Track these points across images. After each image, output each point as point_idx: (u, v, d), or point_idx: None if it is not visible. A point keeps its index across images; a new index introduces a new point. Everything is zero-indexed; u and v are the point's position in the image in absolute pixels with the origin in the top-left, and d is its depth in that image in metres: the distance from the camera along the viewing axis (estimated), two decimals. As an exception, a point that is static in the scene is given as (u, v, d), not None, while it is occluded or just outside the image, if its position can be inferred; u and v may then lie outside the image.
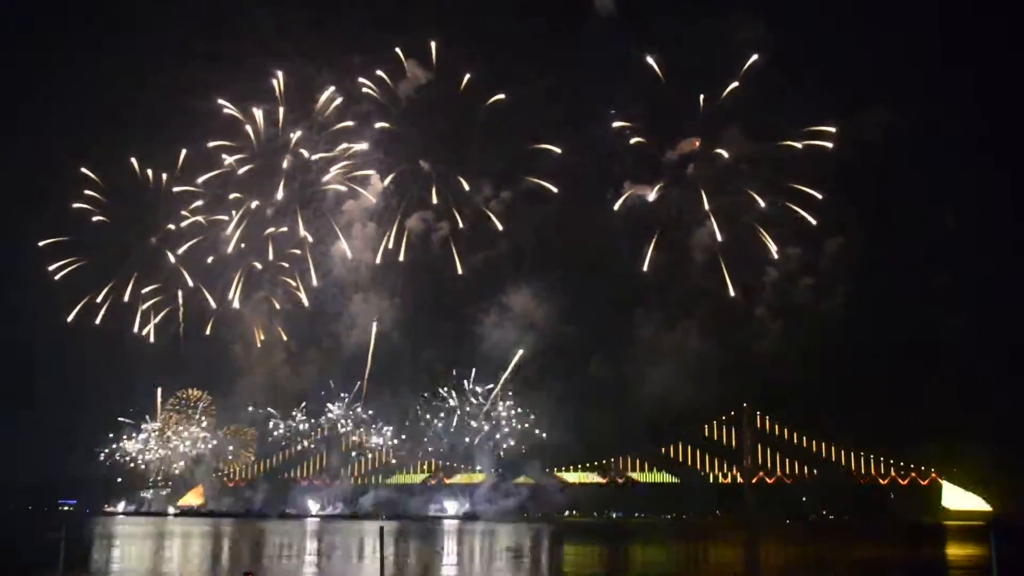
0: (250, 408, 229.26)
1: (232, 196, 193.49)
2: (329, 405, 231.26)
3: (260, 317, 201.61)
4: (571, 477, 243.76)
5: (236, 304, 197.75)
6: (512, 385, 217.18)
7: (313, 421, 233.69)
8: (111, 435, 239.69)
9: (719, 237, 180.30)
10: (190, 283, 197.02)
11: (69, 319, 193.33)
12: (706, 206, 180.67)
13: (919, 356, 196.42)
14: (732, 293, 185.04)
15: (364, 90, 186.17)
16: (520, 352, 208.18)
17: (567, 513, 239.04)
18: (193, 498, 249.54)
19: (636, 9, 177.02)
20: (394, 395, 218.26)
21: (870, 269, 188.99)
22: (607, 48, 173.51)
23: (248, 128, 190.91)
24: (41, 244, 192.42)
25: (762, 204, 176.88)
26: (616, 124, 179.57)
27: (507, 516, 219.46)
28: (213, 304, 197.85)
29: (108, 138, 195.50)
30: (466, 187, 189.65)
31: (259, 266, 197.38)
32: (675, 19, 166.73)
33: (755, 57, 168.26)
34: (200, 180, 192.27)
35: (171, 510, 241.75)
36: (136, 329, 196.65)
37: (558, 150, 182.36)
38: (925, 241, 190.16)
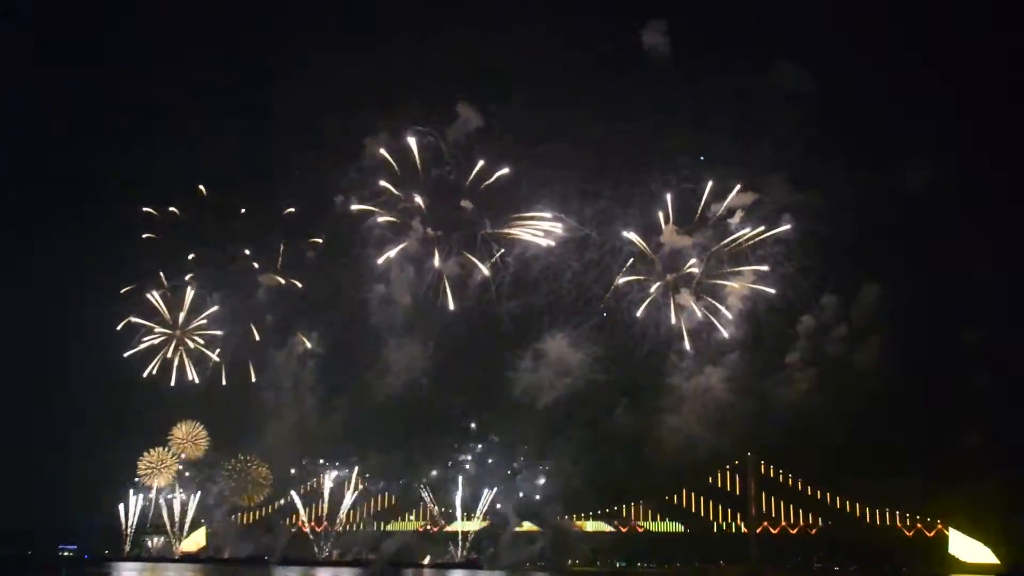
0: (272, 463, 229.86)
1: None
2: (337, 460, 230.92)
3: (292, 362, 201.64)
4: (590, 526, 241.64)
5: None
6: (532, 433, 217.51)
7: (332, 467, 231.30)
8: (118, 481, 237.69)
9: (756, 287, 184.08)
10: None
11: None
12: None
13: (938, 410, 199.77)
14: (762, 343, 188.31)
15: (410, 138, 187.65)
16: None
17: (571, 562, 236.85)
18: (198, 543, 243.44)
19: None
20: (420, 441, 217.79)
21: (902, 321, 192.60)
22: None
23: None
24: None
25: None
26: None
27: (519, 564, 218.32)
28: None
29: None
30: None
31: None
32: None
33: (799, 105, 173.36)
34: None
35: (177, 554, 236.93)
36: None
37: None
38: (957, 295, 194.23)
